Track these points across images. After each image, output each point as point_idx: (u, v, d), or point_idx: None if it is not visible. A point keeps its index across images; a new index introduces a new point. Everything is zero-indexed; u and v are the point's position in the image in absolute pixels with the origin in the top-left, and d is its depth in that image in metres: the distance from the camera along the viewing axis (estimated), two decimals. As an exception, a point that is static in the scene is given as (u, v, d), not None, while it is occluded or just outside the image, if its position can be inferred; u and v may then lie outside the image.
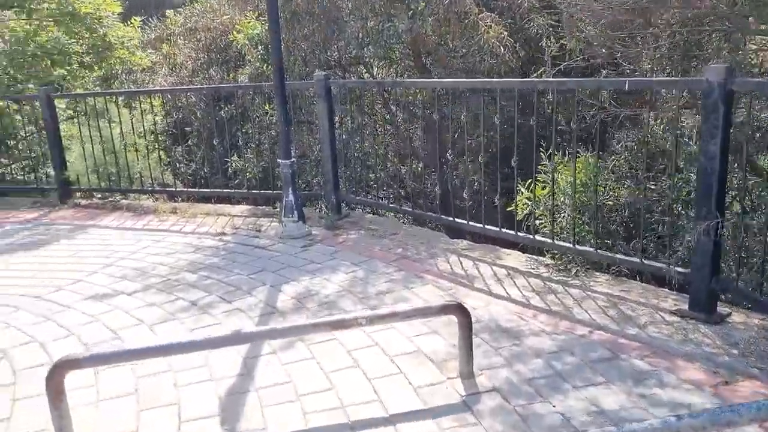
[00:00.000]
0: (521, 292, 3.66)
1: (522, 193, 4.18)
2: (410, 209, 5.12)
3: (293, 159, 4.90)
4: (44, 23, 7.44)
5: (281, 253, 4.54)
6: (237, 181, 6.62)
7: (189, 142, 7.20)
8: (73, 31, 7.50)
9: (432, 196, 5.53)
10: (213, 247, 4.76)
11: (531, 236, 4.00)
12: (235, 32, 6.38)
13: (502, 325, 3.23)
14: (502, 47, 4.94)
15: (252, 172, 6.32)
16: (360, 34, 5.81)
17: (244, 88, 6.26)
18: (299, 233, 4.89)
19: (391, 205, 5.24)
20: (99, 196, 6.54)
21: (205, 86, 6.77)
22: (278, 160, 4.93)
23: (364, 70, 6.99)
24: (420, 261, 4.26)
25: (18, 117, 7.09)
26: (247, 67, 6.60)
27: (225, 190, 6.02)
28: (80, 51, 7.83)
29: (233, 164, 6.31)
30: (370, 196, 5.55)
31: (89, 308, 3.65)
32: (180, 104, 7.34)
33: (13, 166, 7.39)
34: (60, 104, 7.42)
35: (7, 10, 7.09)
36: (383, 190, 5.98)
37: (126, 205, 6.25)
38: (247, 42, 6.27)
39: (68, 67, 7.78)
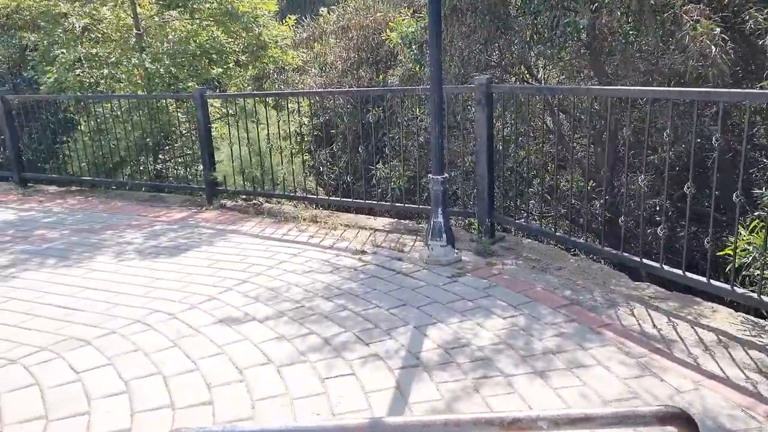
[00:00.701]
0: (743, 372, 2.75)
1: (741, 235, 3.23)
2: (582, 241, 4.29)
3: (446, 175, 4.30)
4: (204, 23, 7.54)
5: (426, 284, 3.96)
6: (380, 189, 6.18)
7: (333, 146, 6.89)
8: (230, 30, 7.54)
9: (608, 224, 4.66)
10: (351, 269, 4.31)
11: (756, 296, 3.04)
12: (388, 30, 5.91)
13: (725, 426, 2.37)
14: (713, 46, 3.94)
15: (397, 183, 5.84)
16: (528, 32, 5.05)
17: (395, 91, 5.77)
18: (447, 259, 4.28)
19: (557, 234, 4.45)
20: (243, 198, 6.44)
21: (353, 89, 6.41)
22: (429, 175, 4.35)
23: (526, 72, 6.20)
24: (595, 310, 3.46)
25: (178, 114, 7.23)
26: (398, 68, 6.11)
27: (368, 202, 5.58)
28: (236, 50, 7.87)
29: (378, 172, 5.86)
30: (531, 221, 4.78)
31: (218, 335, 3.32)
32: (327, 105, 7.07)
33: (170, 163, 7.58)
34: (215, 103, 7.49)
35: (172, 10, 7.28)
36: (544, 213, 5.20)
37: (268, 210, 6.07)
38: (400, 41, 5.77)
39: (225, 66, 7.84)
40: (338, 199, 5.74)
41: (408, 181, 5.87)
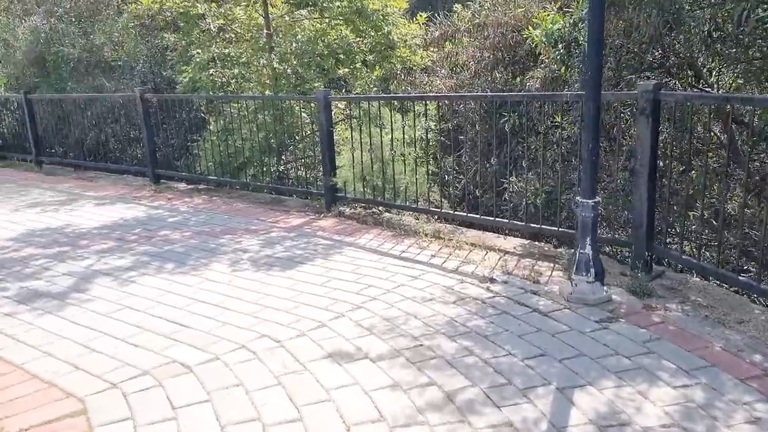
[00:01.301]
0: None
1: None
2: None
3: (598, 199, 3.61)
4: (333, 22, 7.32)
5: (569, 328, 3.32)
6: (511, 204, 5.56)
7: (461, 154, 6.35)
8: (359, 29, 7.25)
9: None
10: (478, 300, 3.76)
11: None
12: (530, 28, 5.27)
13: None
14: None
15: (532, 199, 5.19)
16: (706, 28, 4.20)
17: (537, 97, 5.11)
18: (594, 298, 3.60)
19: (740, 278, 3.59)
20: (362, 205, 6.09)
21: (489, 93, 5.82)
22: (577, 198, 3.69)
23: (693, 76, 5.27)
24: (801, 388, 2.65)
25: (302, 115, 7.07)
26: (538, 70, 5.44)
27: (497, 219, 4.98)
28: (363, 50, 7.58)
29: (510, 185, 5.25)
30: (704, 260, 3.94)
31: (327, 374, 2.93)
32: (456, 109, 6.54)
33: (292, 165, 7.46)
34: (338, 104, 7.24)
35: (302, 9, 7.12)
36: (707, 242, 4.31)
37: (387, 221, 5.67)
38: (543, 39, 5.10)
39: (351, 66, 7.57)
40: (464, 214, 5.19)
41: (545, 198, 5.20)
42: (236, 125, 7.29)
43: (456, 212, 5.30)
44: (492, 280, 4.08)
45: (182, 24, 8.36)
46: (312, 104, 6.75)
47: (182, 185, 7.89)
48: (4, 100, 10.26)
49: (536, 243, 4.89)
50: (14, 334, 3.48)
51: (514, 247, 4.77)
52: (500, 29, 6.06)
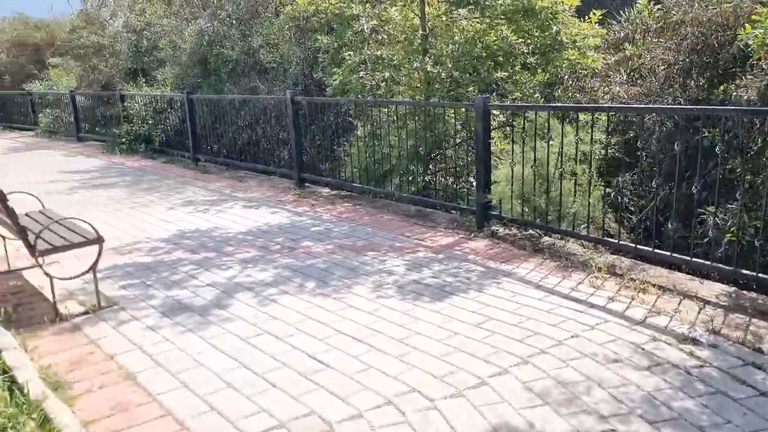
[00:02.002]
0: None
1: None
2: None
3: None
4: (495, 21, 6.69)
5: (823, 431, 2.45)
6: (707, 240, 4.60)
7: (637, 172, 5.44)
8: (523, 29, 6.55)
9: None
10: (680, 369, 2.97)
11: None
12: (748, 26, 4.27)
13: None
14: None
15: (737, 236, 4.22)
16: None
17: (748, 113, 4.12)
18: None
19: None
20: (517, 227, 5.42)
21: (678, 106, 4.88)
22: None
23: None
24: None
25: (456, 123, 6.54)
26: (752, 78, 4.42)
27: (695, 260, 4.08)
28: (525, 51, 6.87)
29: (711, 218, 4.31)
30: None
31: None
32: (635, 121, 5.63)
33: (440, 176, 6.95)
34: (495, 112, 6.60)
35: (461, 8, 6.59)
36: None
37: (548, 247, 4.95)
38: (765, 39, 4.10)
39: (511, 70, 6.90)
40: (651, 250, 4.33)
41: (754, 236, 4.20)
42: (384, 131, 6.92)
43: (639, 246, 4.45)
44: (695, 342, 3.25)
45: (336, 25, 8.19)
46: (468, 111, 6.19)
47: (325, 190, 7.71)
48: (170, 100, 10.85)
49: (745, 293, 3.93)
50: (155, 354, 3.30)
51: (716, 296, 3.86)
52: (700, 28, 5.07)
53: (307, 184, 7.94)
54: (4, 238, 4.79)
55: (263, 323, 3.69)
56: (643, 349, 3.21)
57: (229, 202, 7.26)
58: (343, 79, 7.69)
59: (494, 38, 6.83)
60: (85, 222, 4.04)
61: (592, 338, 3.34)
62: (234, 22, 9.74)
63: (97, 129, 13.78)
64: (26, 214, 4.69)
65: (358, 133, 7.28)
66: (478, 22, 6.73)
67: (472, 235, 5.46)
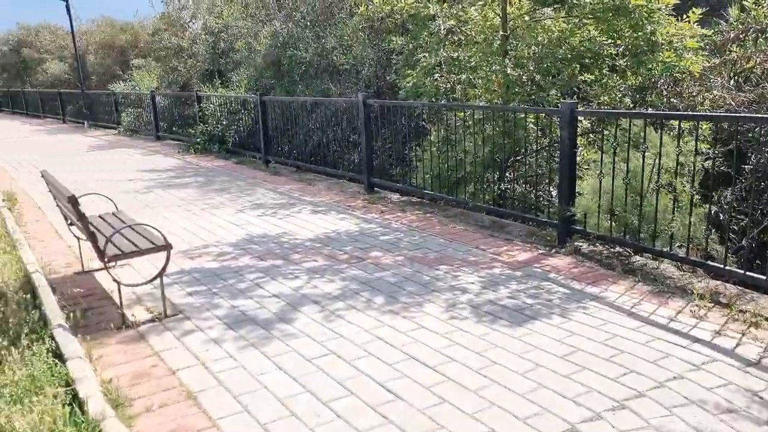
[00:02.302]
0: None
1: None
2: None
3: None
4: (582, 21, 6.24)
5: None
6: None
7: (749, 186, 4.88)
8: (613, 29, 6.07)
9: None
10: (814, 430, 2.52)
11: None
12: None
13: None
14: None
15: None
16: None
17: None
18: None
19: None
20: (603, 244, 4.98)
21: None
22: None
23: None
24: None
25: (537, 130, 6.14)
26: None
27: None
28: (613, 53, 6.37)
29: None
30: None
31: None
32: (740, 129, 5.07)
33: (517, 184, 6.57)
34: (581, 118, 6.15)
35: (546, 7, 6.18)
36: None
37: (640, 268, 4.50)
38: None
39: (598, 73, 6.43)
40: (765, 278, 3.82)
41: None
42: (459, 136, 6.61)
43: (750, 273, 3.94)
44: (827, 395, 2.77)
45: (411, 26, 7.94)
46: (552, 117, 5.79)
47: (395, 196, 7.47)
48: (243, 101, 10.95)
49: None
50: (217, 372, 3.15)
51: None
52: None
53: (376, 189, 7.73)
54: (79, 239, 4.82)
55: (329, 342, 3.48)
56: (762, 398, 2.77)
57: (297, 206, 7.15)
58: (417, 82, 7.44)
59: (581, 39, 6.38)
60: (154, 228, 3.96)
61: (698, 380, 2.93)
62: (308, 23, 9.69)
63: (174, 129, 14.16)
64: (99, 216, 4.70)
65: (432, 137, 7.01)
66: (564, 22, 6.30)
67: (553, 251, 5.07)
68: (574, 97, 6.83)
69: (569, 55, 6.30)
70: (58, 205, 4.73)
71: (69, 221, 4.55)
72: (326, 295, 4.23)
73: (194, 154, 11.84)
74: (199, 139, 11.95)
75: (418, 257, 5.02)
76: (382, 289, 4.29)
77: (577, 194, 5.15)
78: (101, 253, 3.58)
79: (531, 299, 4.04)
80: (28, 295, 3.94)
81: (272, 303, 4.11)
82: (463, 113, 6.63)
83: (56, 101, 21.92)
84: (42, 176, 4.49)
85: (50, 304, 3.81)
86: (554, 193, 6.01)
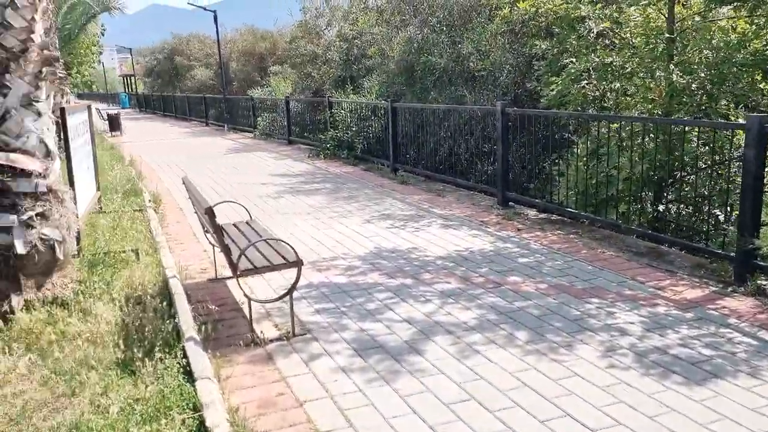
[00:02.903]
0: None
1: None
2: None
3: None
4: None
5: None
6: None
7: None
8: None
9: None
10: None
11: None
12: None
13: None
14: None
15: None
16: None
17: None
18: None
19: None
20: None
21: None
22: None
23: None
24: None
25: (705, 145, 5.35)
26: None
27: None
28: (806, 58, 5.39)
29: None
30: None
31: None
32: None
33: (679, 207, 5.77)
34: None
35: (725, 5, 5.35)
36: None
37: None
38: None
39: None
40: None
41: None
42: (609, 150, 5.94)
43: None
44: None
45: (557, 29, 7.35)
46: (731, 132, 4.99)
47: (532, 212, 6.92)
48: (374, 107, 10.87)
49: None
50: (346, 410, 2.88)
51: None
52: None
53: (511, 204, 7.22)
54: (213, 245, 4.83)
55: (468, 384, 3.09)
56: None
57: (426, 218, 6.83)
58: (562, 89, 6.84)
59: (761, 44, 5.47)
60: (286, 243, 3.80)
61: None
62: (444, 28, 9.38)
63: (305, 134, 14.50)
64: (234, 225, 4.66)
65: (577, 151, 6.38)
66: (746, 23, 5.43)
67: (729, 289, 4.30)
68: (741, 107, 5.89)
69: (750, 61, 5.41)
70: (195, 212, 4.76)
71: (205, 228, 4.56)
72: (461, 324, 3.84)
73: (323, 159, 11.98)
74: (328, 145, 12.07)
75: (564, 286, 4.48)
76: (525, 323, 3.83)
77: (762, 224, 4.35)
78: (234, 267, 3.46)
79: (709, 350, 3.38)
80: (164, 303, 3.94)
81: (402, 329, 3.80)
82: (617, 125, 5.96)
83: (201, 105, 23.51)
84: (183, 183, 4.53)
85: (184, 314, 3.77)
86: (720, 215, 5.18)
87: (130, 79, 47.55)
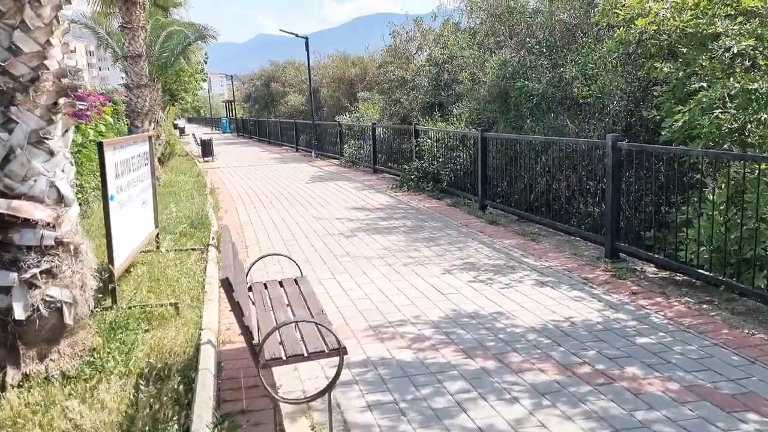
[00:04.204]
0: None
1: None
2: None
3: None
4: None
5: None
6: None
7: None
8: None
9: None
10: None
11: None
12: None
13: None
14: None
15: None
16: None
17: None
18: None
19: None
20: None
21: None
22: None
23: None
24: None
25: None
26: None
27: None
28: None
29: None
30: None
31: None
32: None
33: None
34: None
35: None
36: None
37: None
38: None
39: None
40: None
41: None
42: (754, 196, 4.65)
43: None
44: None
45: (683, 49, 6.12)
46: None
47: (650, 268, 5.68)
48: (462, 137, 9.94)
49: None
50: None
51: None
52: None
53: (622, 256, 6.01)
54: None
55: None
56: None
57: (518, 271, 5.78)
58: (690, 120, 5.61)
59: None
60: (326, 329, 2.93)
61: None
62: (544, 50, 8.33)
63: (390, 163, 13.80)
64: (280, 283, 3.88)
65: (712, 196, 5.11)
66: None
67: None
68: None
69: None
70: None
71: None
72: (561, 448, 2.80)
73: (406, 191, 11.16)
74: (413, 176, 11.25)
75: (705, 388, 3.31)
76: (653, 453, 2.73)
77: None
78: (255, 357, 2.64)
79: None
80: (182, 386, 3.19)
81: (479, 447, 2.81)
82: (766, 165, 4.68)
83: (292, 131, 23.58)
84: (224, 232, 3.82)
85: (202, 403, 2.99)
86: None
87: (231, 105, 49.51)
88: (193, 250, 6.32)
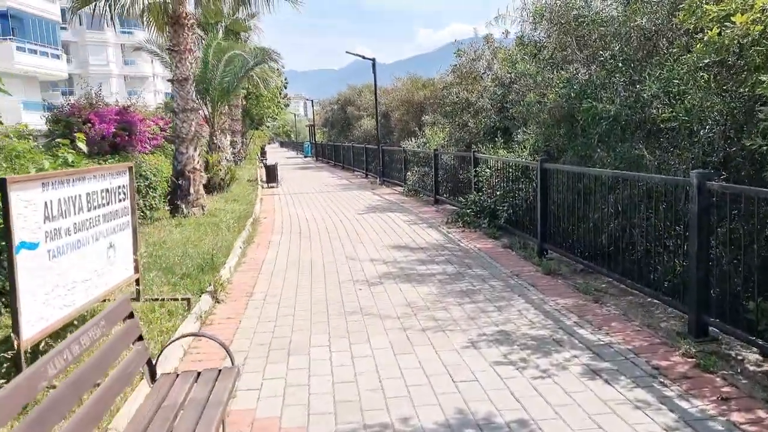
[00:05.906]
0: None
1: None
2: None
3: None
4: None
5: None
6: None
7: None
8: None
9: None
10: None
11: None
12: None
13: None
14: None
15: None
16: None
17: None
18: None
19: None
20: None
21: None
22: None
23: None
24: None
25: None
26: None
27: None
28: None
29: None
30: None
31: None
32: None
33: None
34: None
35: None
36: None
37: None
38: None
39: None
40: None
41: None
42: None
43: None
44: None
45: (802, 55, 4.53)
46: None
47: (752, 357, 4.12)
48: (524, 168, 8.55)
49: None
50: None
51: None
52: None
53: (713, 332, 4.47)
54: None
55: None
56: None
57: (565, 348, 4.39)
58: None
59: None
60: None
61: None
62: (619, 64, 6.88)
63: (449, 193, 12.55)
64: (196, 377, 2.80)
65: None
66: None
67: None
68: None
69: None
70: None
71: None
72: None
73: (462, 226, 9.85)
74: (469, 210, 9.94)
75: None
76: None
77: None
78: None
79: None
80: None
81: None
82: None
83: (363, 155, 22.83)
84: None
85: None
86: None
87: (313, 129, 49.97)
88: (175, 300, 5.40)
